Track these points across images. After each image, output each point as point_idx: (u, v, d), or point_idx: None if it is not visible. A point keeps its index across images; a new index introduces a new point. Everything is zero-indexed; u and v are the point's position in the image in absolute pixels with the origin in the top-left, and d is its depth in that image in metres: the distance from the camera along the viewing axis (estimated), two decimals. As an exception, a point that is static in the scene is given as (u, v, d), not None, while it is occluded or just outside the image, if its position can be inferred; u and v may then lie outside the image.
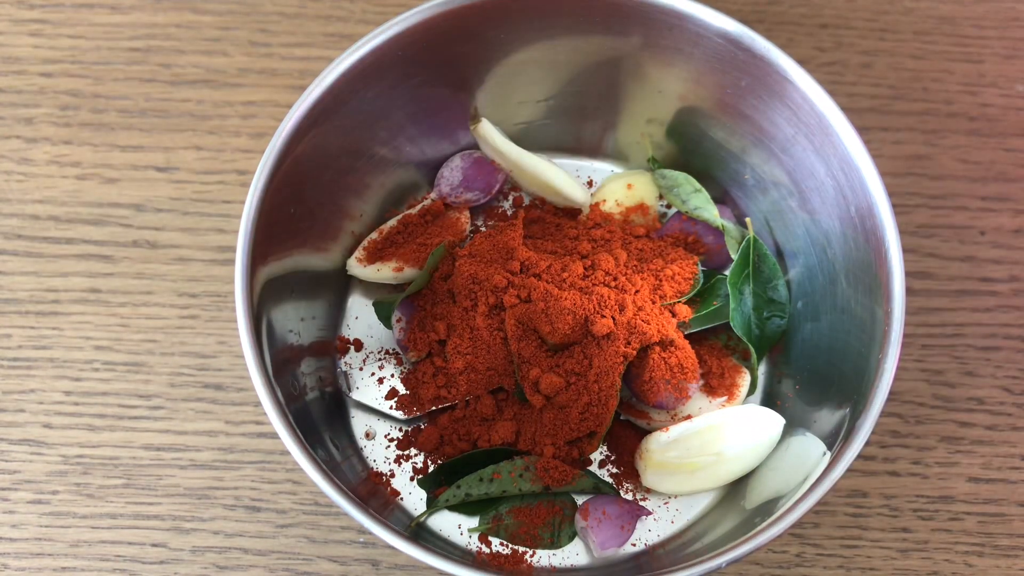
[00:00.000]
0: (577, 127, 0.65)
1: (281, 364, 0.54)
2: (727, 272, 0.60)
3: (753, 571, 0.61)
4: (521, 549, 0.57)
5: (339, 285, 0.63)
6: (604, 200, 0.63)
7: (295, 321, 0.57)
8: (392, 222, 0.63)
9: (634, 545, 0.58)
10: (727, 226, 0.61)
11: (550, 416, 0.57)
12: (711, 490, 0.59)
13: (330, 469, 0.50)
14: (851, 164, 0.54)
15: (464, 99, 0.61)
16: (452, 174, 0.63)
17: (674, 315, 0.58)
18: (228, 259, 0.66)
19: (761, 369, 0.62)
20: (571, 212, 0.64)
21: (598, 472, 0.59)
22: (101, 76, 0.70)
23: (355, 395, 0.60)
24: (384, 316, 0.61)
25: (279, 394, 0.51)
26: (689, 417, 0.57)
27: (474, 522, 0.58)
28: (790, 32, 0.73)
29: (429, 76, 0.58)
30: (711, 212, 0.61)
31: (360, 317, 0.63)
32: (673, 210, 0.64)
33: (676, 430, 0.56)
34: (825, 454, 0.51)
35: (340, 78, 0.54)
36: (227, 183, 0.68)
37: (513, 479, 0.56)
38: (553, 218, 0.64)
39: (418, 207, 0.63)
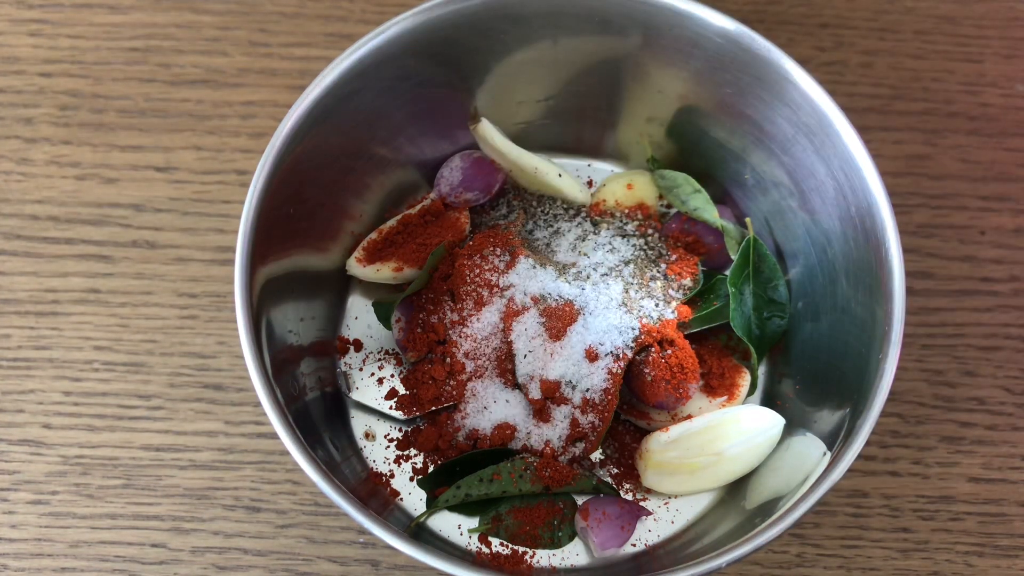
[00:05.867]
0: (577, 127, 0.65)
1: (281, 364, 0.54)
2: (727, 272, 0.60)
3: (753, 571, 0.61)
4: (521, 549, 0.57)
5: (339, 285, 0.63)
6: (604, 200, 0.63)
7: (295, 321, 0.57)
8: (392, 222, 0.63)
9: (634, 545, 0.58)
10: (727, 226, 0.61)
11: (550, 416, 0.57)
12: (711, 490, 0.59)
13: (330, 469, 0.49)
14: (851, 164, 0.54)
15: (464, 99, 0.61)
16: (452, 174, 0.63)
17: (674, 315, 0.58)
18: (228, 259, 0.66)
19: (761, 369, 0.62)
20: (571, 212, 0.64)
21: (598, 472, 0.59)
22: (101, 76, 0.70)
23: (355, 395, 0.60)
24: (384, 316, 0.61)
25: (279, 394, 0.50)
26: (689, 417, 0.57)
27: (474, 522, 0.58)
28: (790, 32, 0.73)
29: (429, 76, 0.58)
30: (711, 212, 0.61)
31: (360, 317, 0.63)
32: (673, 210, 0.64)
33: (676, 430, 0.56)
34: (825, 454, 0.51)
35: (340, 78, 0.54)
36: (227, 183, 0.68)
37: (513, 479, 0.56)
38: (552, 218, 0.64)
39: (418, 207, 0.63)
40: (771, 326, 0.60)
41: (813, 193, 0.57)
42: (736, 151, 0.60)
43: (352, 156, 0.59)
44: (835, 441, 0.51)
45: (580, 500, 0.58)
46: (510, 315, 0.57)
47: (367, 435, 0.60)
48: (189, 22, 0.72)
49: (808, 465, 0.52)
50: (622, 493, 0.58)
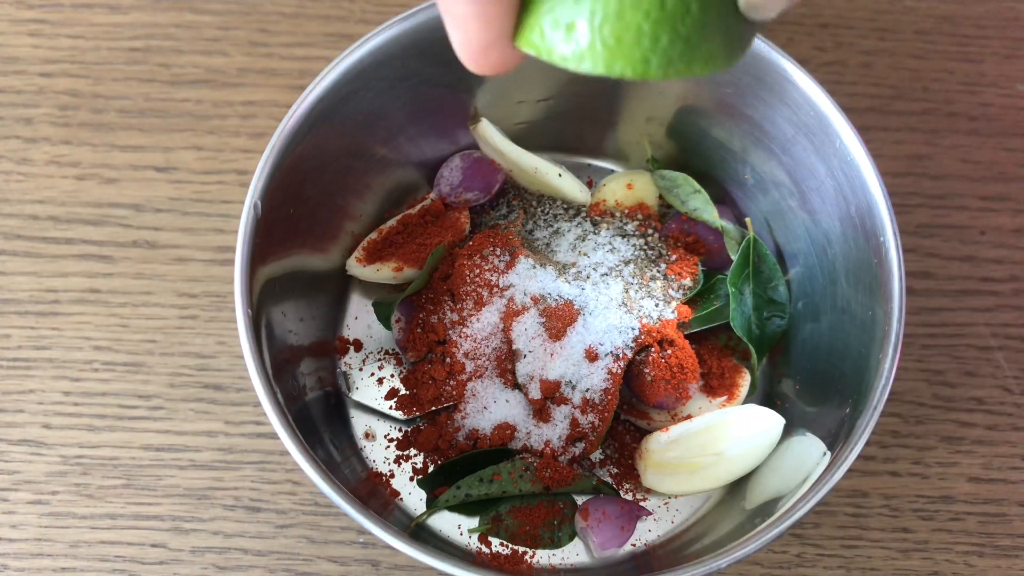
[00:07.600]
0: (577, 127, 0.65)
1: (281, 364, 0.54)
2: (727, 272, 0.60)
3: (753, 571, 0.61)
4: (521, 549, 0.57)
5: (339, 285, 0.63)
6: (604, 200, 0.63)
7: (295, 321, 0.57)
8: (392, 222, 0.63)
9: (634, 545, 0.58)
10: (726, 227, 0.61)
11: (550, 416, 0.57)
12: (711, 490, 0.59)
13: (330, 469, 0.49)
14: (851, 164, 0.54)
15: (464, 99, 0.61)
16: (452, 174, 0.63)
17: (674, 315, 0.58)
18: (228, 259, 0.66)
19: (761, 369, 0.62)
20: (571, 212, 0.64)
21: (598, 472, 0.59)
22: (100, 76, 0.70)
23: (355, 395, 0.60)
24: (384, 316, 0.61)
25: (279, 394, 0.50)
26: (689, 417, 0.57)
27: (474, 522, 0.58)
28: (790, 32, 0.73)
29: (429, 76, 0.58)
30: (710, 213, 0.61)
31: (360, 317, 0.63)
32: (673, 210, 0.64)
33: (676, 430, 0.56)
34: (825, 454, 0.51)
35: (340, 78, 0.54)
36: (227, 183, 0.68)
37: (513, 479, 0.56)
38: (552, 218, 0.64)
39: (418, 207, 0.63)
40: (771, 326, 0.60)
41: (813, 193, 0.57)
42: (736, 151, 0.60)
43: (352, 156, 0.59)
44: (835, 441, 0.51)
45: (580, 500, 0.58)
46: (510, 315, 0.57)
47: (367, 435, 0.60)
48: (189, 22, 0.72)
49: (808, 465, 0.52)
50: (622, 493, 0.58)
